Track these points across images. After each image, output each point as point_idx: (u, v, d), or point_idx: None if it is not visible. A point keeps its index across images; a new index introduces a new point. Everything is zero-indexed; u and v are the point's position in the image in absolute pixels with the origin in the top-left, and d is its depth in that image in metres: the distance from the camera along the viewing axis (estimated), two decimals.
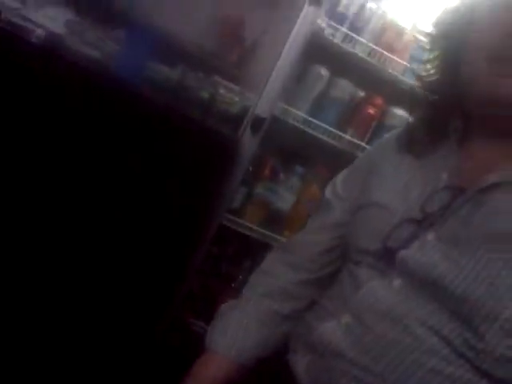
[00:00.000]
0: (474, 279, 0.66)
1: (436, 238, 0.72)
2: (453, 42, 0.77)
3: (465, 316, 0.66)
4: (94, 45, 1.51)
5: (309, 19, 1.55)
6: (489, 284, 0.65)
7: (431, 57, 0.83)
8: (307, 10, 1.53)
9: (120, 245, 1.55)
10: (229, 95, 1.66)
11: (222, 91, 1.67)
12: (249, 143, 1.65)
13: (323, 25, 1.66)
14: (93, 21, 1.57)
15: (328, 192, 0.95)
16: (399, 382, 0.68)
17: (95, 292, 1.53)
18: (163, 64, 1.63)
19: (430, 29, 0.82)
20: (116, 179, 1.52)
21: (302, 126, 1.80)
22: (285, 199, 1.89)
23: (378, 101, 1.88)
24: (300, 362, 0.80)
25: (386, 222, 0.77)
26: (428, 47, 0.83)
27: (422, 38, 1.79)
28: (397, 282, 0.73)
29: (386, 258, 0.75)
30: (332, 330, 0.76)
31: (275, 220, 1.93)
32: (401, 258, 0.73)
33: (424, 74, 0.85)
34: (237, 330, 0.88)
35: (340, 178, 0.95)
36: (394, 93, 1.90)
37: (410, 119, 0.91)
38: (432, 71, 0.83)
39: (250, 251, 2.03)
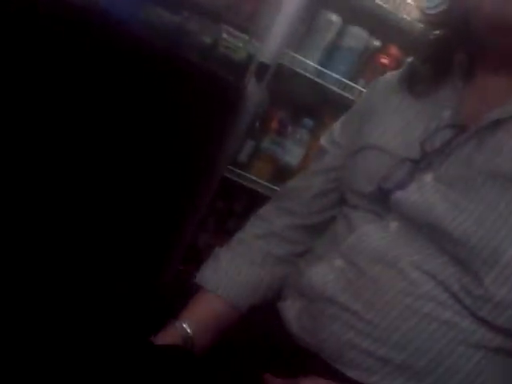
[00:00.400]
0: (474, 221, 0.63)
1: (435, 179, 0.68)
2: None
3: (463, 260, 0.63)
4: None
5: None
6: (490, 225, 0.62)
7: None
8: None
9: (116, 196, 1.53)
10: (232, 41, 1.60)
11: (225, 36, 1.60)
12: (253, 92, 1.59)
13: None
14: None
15: (323, 139, 0.92)
16: (391, 327, 0.65)
17: (92, 242, 1.52)
18: (168, 11, 1.58)
19: None
20: (113, 126, 1.49)
21: (311, 76, 1.73)
22: (293, 153, 1.83)
23: (393, 50, 1.78)
24: (290, 309, 0.77)
25: (383, 164, 0.74)
26: None
27: None
28: (393, 225, 0.70)
29: (382, 200, 0.72)
30: (323, 274, 0.73)
31: (283, 174, 1.87)
32: (396, 200, 0.70)
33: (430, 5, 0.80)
34: (227, 268, 0.86)
35: (337, 124, 0.92)
36: (411, 42, 1.80)
37: (412, 58, 0.85)
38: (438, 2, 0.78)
39: (258, 207, 1.99)
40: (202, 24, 1.64)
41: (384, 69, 1.77)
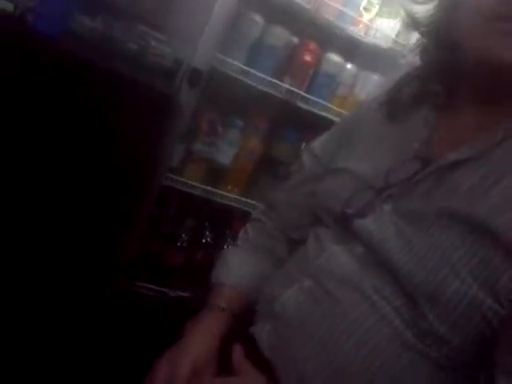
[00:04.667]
0: (420, 259, 0.65)
1: (393, 210, 0.70)
2: None
3: (410, 294, 0.65)
4: None
5: None
6: (434, 264, 0.63)
7: (426, 12, 0.78)
8: None
9: (58, 213, 1.46)
10: (159, 47, 1.56)
11: (151, 43, 1.56)
12: (187, 98, 1.57)
13: None
14: None
15: (304, 152, 0.95)
16: (351, 353, 0.67)
17: (38, 258, 1.45)
18: (85, 15, 1.50)
19: None
20: (43, 142, 1.41)
21: (238, 76, 1.73)
22: (225, 153, 1.84)
23: (313, 46, 1.83)
24: (262, 331, 0.78)
25: (350, 188, 0.76)
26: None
27: None
28: (358, 249, 0.72)
29: (346, 223, 0.75)
30: (293, 297, 0.76)
31: (217, 175, 1.88)
32: (356, 227, 0.72)
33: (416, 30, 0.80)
34: (234, 261, 0.94)
35: (319, 139, 0.94)
36: (329, 38, 1.86)
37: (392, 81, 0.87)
38: (423, 28, 0.78)
39: (193, 209, 1.98)
40: (123, 28, 1.58)
41: (308, 65, 1.83)
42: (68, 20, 1.39)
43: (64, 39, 1.38)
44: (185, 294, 1.83)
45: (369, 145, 0.81)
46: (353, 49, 1.92)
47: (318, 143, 0.93)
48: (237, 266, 0.93)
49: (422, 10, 0.79)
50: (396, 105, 0.80)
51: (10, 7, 1.37)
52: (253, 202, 1.88)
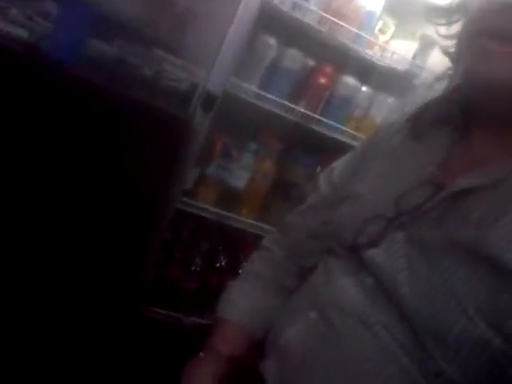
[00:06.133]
0: (427, 294, 0.61)
1: (404, 240, 0.67)
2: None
3: (417, 331, 0.62)
4: (21, 23, 1.34)
5: None
6: (440, 298, 0.60)
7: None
8: None
9: (73, 239, 1.44)
10: (175, 71, 1.54)
11: (167, 67, 1.55)
12: (201, 122, 1.55)
13: None
14: None
15: (322, 176, 0.93)
16: None
17: (55, 282, 1.43)
18: (98, 39, 1.49)
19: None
20: (58, 169, 1.39)
21: (253, 100, 1.72)
22: (239, 177, 1.82)
23: (328, 69, 1.81)
24: (269, 368, 0.76)
25: (362, 216, 0.73)
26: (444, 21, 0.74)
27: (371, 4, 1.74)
28: (368, 281, 0.69)
29: (357, 253, 0.71)
30: (297, 331, 0.73)
31: (231, 199, 1.86)
32: (368, 257, 0.69)
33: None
34: (239, 295, 0.91)
35: (339, 163, 0.92)
36: (345, 61, 1.85)
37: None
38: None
39: (207, 233, 1.96)
40: (138, 54, 1.57)
41: (323, 88, 1.81)
42: (83, 46, 1.38)
43: (79, 65, 1.37)
44: (199, 321, 1.80)
45: (383, 169, 0.79)
46: (368, 71, 1.90)
47: (335, 168, 0.91)
48: (241, 301, 0.90)
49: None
50: (420, 124, 0.77)
51: (24, 34, 1.37)
52: (267, 226, 1.85)
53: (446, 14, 0.73)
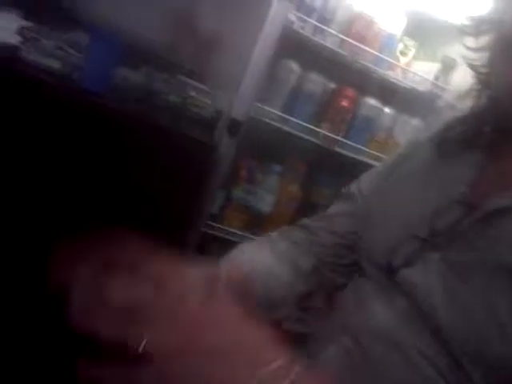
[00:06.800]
0: (464, 315, 0.59)
1: (439, 261, 0.65)
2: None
3: (454, 354, 0.59)
4: (53, 54, 1.39)
5: (280, 13, 1.48)
6: (477, 319, 0.58)
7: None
8: (278, 5, 1.46)
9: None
10: (200, 98, 1.58)
11: (192, 94, 1.58)
12: (227, 148, 1.58)
13: (293, 18, 1.59)
14: (48, 25, 1.45)
15: (353, 184, 0.90)
16: None
17: None
18: (126, 67, 1.54)
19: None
20: (88, 196, 1.43)
21: (277, 124, 1.74)
22: (264, 200, 1.83)
23: (350, 92, 1.83)
24: None
25: (395, 235, 0.71)
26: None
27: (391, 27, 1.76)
28: (401, 304, 0.66)
29: (390, 274, 0.69)
30: (330, 356, 0.70)
31: (257, 222, 1.87)
32: (402, 278, 0.67)
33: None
34: (250, 249, 0.85)
35: (368, 174, 0.90)
36: (367, 83, 1.87)
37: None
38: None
39: None
40: (164, 81, 1.61)
41: (345, 111, 1.83)
42: (112, 75, 1.43)
43: (108, 94, 1.41)
44: None
45: (412, 187, 0.77)
46: (390, 93, 1.91)
47: (367, 177, 0.89)
48: (250, 253, 0.85)
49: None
50: (447, 142, 0.76)
51: (56, 64, 1.42)
52: None
53: (477, 26, 0.71)
